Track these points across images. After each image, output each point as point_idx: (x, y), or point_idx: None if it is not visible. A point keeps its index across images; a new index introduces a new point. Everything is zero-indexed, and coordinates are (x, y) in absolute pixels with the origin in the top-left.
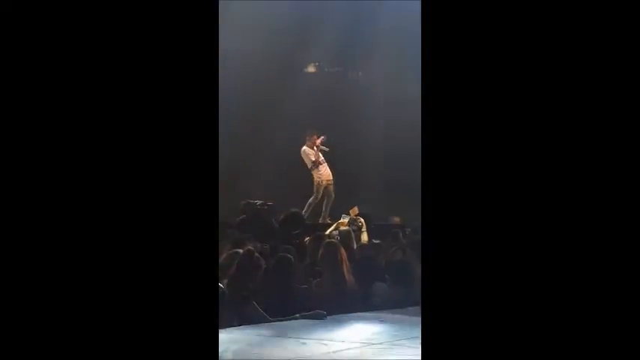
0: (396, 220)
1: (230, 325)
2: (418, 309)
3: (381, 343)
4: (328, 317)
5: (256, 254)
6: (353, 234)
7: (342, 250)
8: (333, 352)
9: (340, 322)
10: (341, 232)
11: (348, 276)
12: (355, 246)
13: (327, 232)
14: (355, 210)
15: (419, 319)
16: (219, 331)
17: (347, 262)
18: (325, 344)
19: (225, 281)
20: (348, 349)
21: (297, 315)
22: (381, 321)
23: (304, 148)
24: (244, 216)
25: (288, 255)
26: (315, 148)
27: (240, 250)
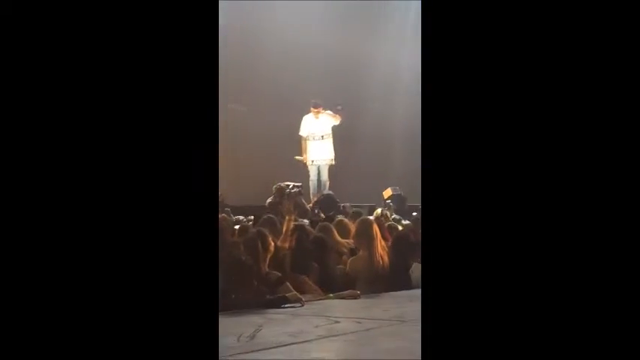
0: None
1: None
2: None
3: (414, 320)
4: (363, 296)
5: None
6: (389, 214)
7: (376, 227)
8: (366, 329)
9: (374, 301)
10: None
11: (383, 254)
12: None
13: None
14: (389, 191)
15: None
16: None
17: (381, 240)
18: (359, 322)
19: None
20: (381, 327)
21: (331, 295)
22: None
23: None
24: (272, 198)
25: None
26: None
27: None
